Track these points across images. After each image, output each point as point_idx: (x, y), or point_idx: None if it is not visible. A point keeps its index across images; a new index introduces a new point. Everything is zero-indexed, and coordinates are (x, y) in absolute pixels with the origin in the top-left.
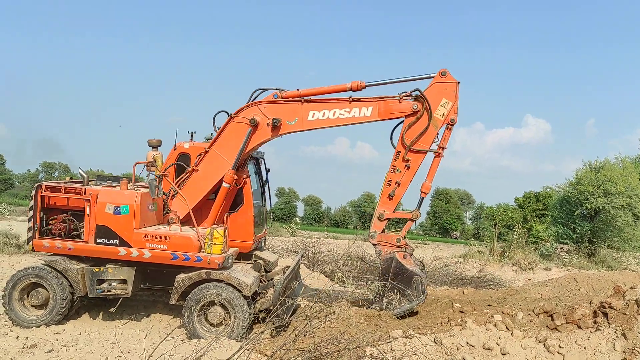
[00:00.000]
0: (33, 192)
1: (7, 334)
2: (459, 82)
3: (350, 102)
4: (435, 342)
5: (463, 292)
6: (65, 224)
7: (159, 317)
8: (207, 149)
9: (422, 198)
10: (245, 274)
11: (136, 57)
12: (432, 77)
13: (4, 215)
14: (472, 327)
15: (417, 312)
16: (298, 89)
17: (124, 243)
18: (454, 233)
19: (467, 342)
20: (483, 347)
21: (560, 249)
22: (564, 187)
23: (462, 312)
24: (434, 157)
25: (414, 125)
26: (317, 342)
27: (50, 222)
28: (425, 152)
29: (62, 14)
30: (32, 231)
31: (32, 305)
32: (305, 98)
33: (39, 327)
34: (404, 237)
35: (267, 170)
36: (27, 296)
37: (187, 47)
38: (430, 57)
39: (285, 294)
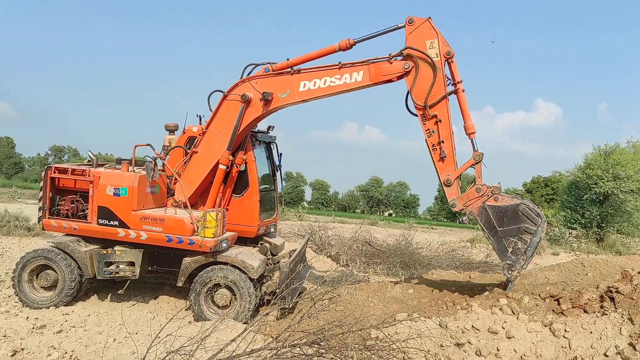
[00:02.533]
0: (43, 174)
1: (17, 314)
2: (429, 17)
3: (340, 68)
4: (440, 325)
5: (470, 277)
6: (74, 205)
7: (166, 299)
8: (204, 130)
9: (472, 139)
10: (251, 257)
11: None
12: (403, 27)
13: (14, 198)
14: (478, 311)
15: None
16: (288, 59)
17: (122, 224)
18: (463, 218)
19: (472, 326)
20: (488, 331)
21: (569, 233)
22: (573, 171)
23: (469, 295)
24: (457, 96)
25: (416, 82)
26: (322, 324)
27: (59, 202)
28: (445, 98)
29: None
30: (42, 211)
31: (41, 287)
32: (296, 69)
33: (48, 308)
34: (482, 183)
35: (280, 155)
36: (37, 278)
37: (200, 31)
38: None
39: (291, 277)
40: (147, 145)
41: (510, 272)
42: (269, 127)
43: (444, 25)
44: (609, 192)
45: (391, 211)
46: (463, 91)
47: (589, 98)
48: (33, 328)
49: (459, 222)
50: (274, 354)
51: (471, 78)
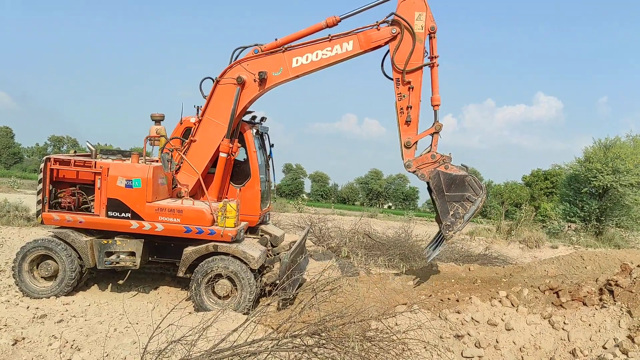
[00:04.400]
0: (42, 165)
1: (17, 304)
2: None
3: (330, 40)
4: (440, 317)
5: (469, 269)
6: (75, 197)
7: (166, 290)
8: (200, 117)
9: (436, 111)
10: (252, 248)
11: (144, 31)
12: None
13: (13, 188)
14: (477, 303)
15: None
16: (276, 39)
17: (136, 216)
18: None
19: (472, 318)
20: (488, 323)
21: (568, 227)
22: (573, 165)
23: (468, 288)
24: (431, 69)
25: (399, 48)
26: (323, 315)
27: (59, 195)
28: (421, 68)
29: None
30: (41, 204)
31: (41, 277)
32: (286, 46)
33: (48, 298)
34: (437, 151)
35: (271, 145)
36: (37, 267)
37: (197, 20)
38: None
39: (291, 268)
40: (152, 137)
41: (447, 231)
42: (262, 118)
43: (448, 19)
44: (608, 185)
45: (390, 204)
46: (438, 65)
47: (589, 92)
48: (34, 317)
49: None
50: (275, 344)
51: (472, 71)
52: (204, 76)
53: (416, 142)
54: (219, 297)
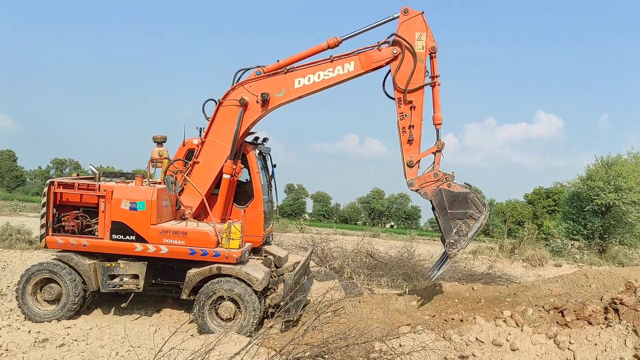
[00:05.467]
0: (45, 189)
1: (19, 328)
2: (422, 12)
3: (332, 61)
4: (444, 337)
5: (472, 288)
6: (78, 221)
7: (168, 312)
8: (203, 139)
9: (438, 129)
10: (255, 269)
11: (145, 52)
12: (397, 18)
13: (15, 211)
14: (482, 323)
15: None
16: (278, 60)
17: (140, 239)
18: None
19: (476, 338)
20: (492, 343)
21: (571, 245)
22: (575, 182)
23: (471, 307)
24: (432, 89)
25: (400, 68)
26: (326, 337)
27: (62, 218)
28: (422, 88)
29: (76, 13)
30: (45, 228)
31: (44, 300)
32: (288, 67)
33: (50, 322)
34: (439, 170)
35: (274, 166)
36: (40, 291)
37: (196, 41)
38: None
39: (295, 289)
40: (154, 159)
41: (451, 249)
42: (264, 139)
43: (448, 38)
44: (611, 203)
45: (392, 223)
46: (439, 85)
47: (590, 109)
48: (35, 342)
49: None
50: None
51: (473, 90)
52: (206, 97)
53: (419, 161)
54: (222, 320)
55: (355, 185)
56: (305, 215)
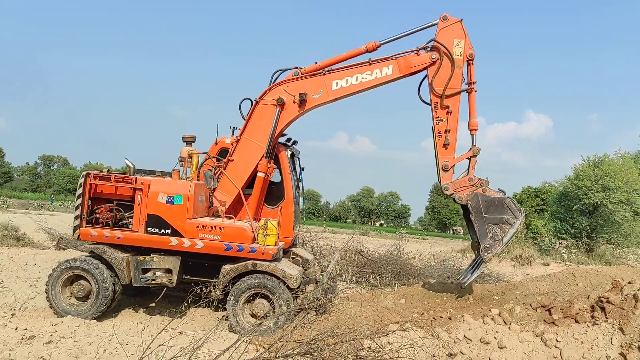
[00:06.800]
0: (82, 180)
1: (6, 325)
2: (461, 20)
3: (370, 64)
4: (432, 335)
5: (461, 287)
6: (112, 213)
7: (157, 310)
8: (238, 138)
9: (474, 135)
10: (290, 267)
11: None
12: (436, 24)
13: (3, 208)
14: (470, 321)
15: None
16: (316, 62)
17: (175, 233)
18: (455, 228)
19: (464, 336)
20: (480, 341)
21: (559, 244)
22: (563, 182)
23: (460, 305)
24: (469, 95)
25: (438, 74)
26: (315, 334)
27: (96, 211)
28: (459, 93)
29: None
30: (79, 219)
31: (75, 297)
32: (326, 69)
33: (86, 318)
34: (474, 175)
35: (302, 169)
36: (70, 287)
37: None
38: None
39: (327, 289)
40: (183, 158)
41: (486, 253)
42: (294, 142)
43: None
44: (599, 202)
45: (382, 221)
46: (475, 91)
47: (579, 109)
48: (22, 339)
49: (452, 233)
50: None
51: None
52: (193, 94)
53: (453, 166)
54: (255, 317)
55: (345, 183)
56: None
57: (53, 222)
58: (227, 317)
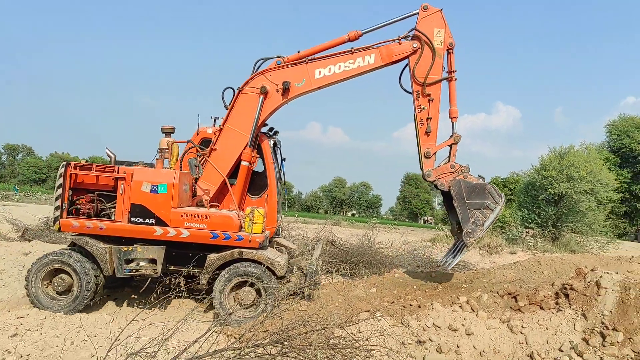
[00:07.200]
0: (61, 170)
1: None
2: (441, 9)
3: (353, 52)
4: (402, 323)
5: (431, 275)
6: (94, 204)
7: (125, 301)
8: (221, 127)
9: (454, 122)
10: (276, 255)
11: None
12: (417, 14)
13: None
14: (439, 309)
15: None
16: (299, 51)
17: (160, 222)
18: (426, 217)
19: (433, 324)
20: (449, 328)
21: (526, 233)
22: (530, 172)
23: (429, 294)
24: (449, 83)
25: (419, 62)
26: (286, 324)
27: (76, 201)
28: (440, 82)
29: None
30: (59, 210)
31: (56, 292)
32: (309, 58)
33: (69, 312)
34: (455, 162)
35: (283, 159)
36: (51, 282)
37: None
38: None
39: (313, 276)
40: (162, 149)
41: (469, 238)
42: (275, 131)
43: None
44: (564, 192)
45: (354, 211)
46: (455, 80)
47: (546, 101)
48: None
49: (423, 222)
50: (237, 354)
51: None
52: (165, 83)
53: (435, 153)
54: (240, 306)
55: (317, 174)
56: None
57: (18, 213)
58: (215, 308)
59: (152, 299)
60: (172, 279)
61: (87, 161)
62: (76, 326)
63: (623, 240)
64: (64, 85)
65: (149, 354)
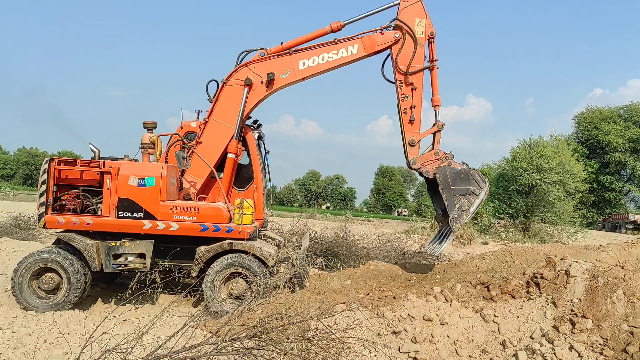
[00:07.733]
0: (45, 166)
1: None
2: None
3: (336, 43)
4: (377, 314)
5: (405, 267)
6: (79, 200)
7: (99, 297)
8: (206, 120)
9: (437, 111)
10: (266, 245)
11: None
12: (398, 4)
13: None
14: (413, 300)
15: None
16: (282, 43)
17: (149, 216)
18: (400, 209)
19: (408, 314)
20: (423, 318)
21: (497, 223)
22: (501, 164)
23: (404, 285)
24: (431, 72)
25: (402, 52)
26: (262, 317)
27: (61, 197)
28: (422, 70)
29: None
30: (44, 207)
31: (43, 291)
32: (292, 49)
33: (55, 311)
34: (439, 149)
35: (267, 152)
36: (37, 281)
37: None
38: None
39: (302, 266)
40: (144, 145)
41: (455, 224)
42: (259, 124)
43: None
44: (533, 183)
45: (329, 204)
46: (437, 68)
47: (516, 94)
48: None
49: (397, 214)
50: (214, 349)
51: None
52: (134, 75)
53: (419, 141)
54: (231, 297)
55: (291, 167)
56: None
57: None
58: (205, 300)
59: (127, 295)
60: (148, 274)
61: (58, 155)
62: (49, 324)
63: (591, 229)
64: (30, 79)
65: (124, 350)
